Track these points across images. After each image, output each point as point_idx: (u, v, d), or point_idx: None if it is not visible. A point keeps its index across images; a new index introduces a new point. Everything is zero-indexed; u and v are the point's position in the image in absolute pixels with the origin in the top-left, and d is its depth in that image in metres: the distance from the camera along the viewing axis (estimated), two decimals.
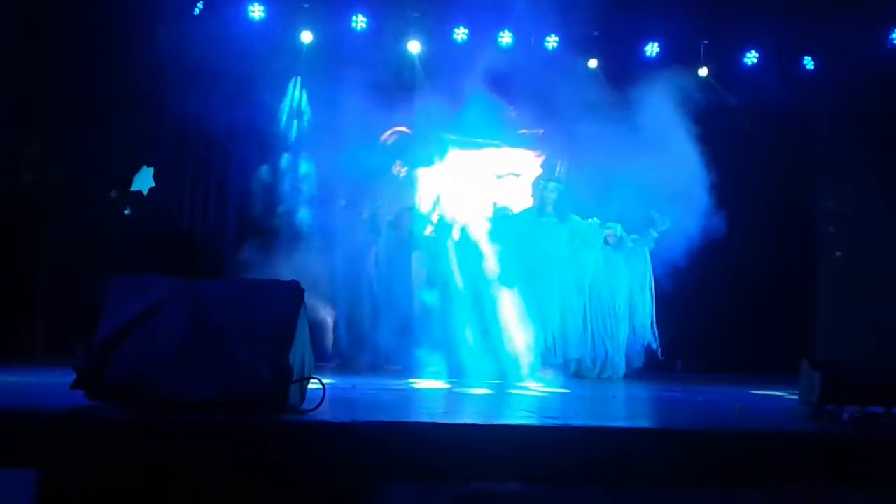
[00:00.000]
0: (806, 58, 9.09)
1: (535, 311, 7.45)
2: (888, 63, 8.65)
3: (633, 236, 7.85)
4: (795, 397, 4.16)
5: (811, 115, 9.26)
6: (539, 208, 7.78)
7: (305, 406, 3.42)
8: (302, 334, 3.50)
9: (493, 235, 7.66)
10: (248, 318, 3.36)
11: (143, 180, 7.30)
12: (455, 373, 7.10)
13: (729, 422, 3.83)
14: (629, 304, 7.71)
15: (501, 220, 7.70)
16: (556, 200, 7.77)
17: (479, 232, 7.72)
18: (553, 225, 7.66)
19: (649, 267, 7.85)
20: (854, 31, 8.61)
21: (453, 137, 9.26)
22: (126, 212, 7.39)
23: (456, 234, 7.72)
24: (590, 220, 7.82)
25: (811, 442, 3.37)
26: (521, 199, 8.39)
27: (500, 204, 8.02)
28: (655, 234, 7.77)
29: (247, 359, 3.23)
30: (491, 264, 7.63)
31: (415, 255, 7.88)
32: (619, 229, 7.79)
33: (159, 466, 2.80)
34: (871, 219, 8.95)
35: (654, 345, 7.76)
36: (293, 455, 2.95)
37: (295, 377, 3.34)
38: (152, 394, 3.20)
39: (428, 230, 8.09)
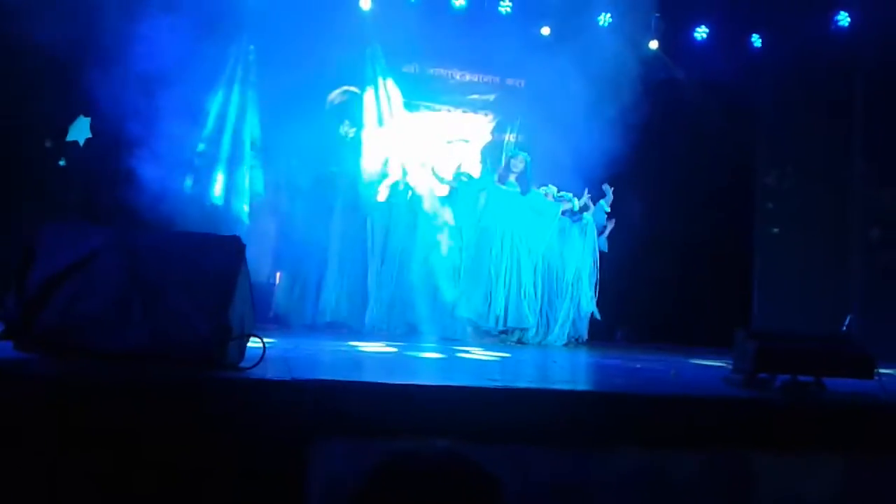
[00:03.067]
0: (754, 35, 9.19)
1: (486, 278, 7.47)
2: (831, 44, 8.82)
3: (584, 207, 7.87)
4: (730, 365, 4.25)
5: (756, 93, 9.41)
6: (502, 176, 7.72)
7: (245, 364, 3.36)
8: (242, 291, 3.43)
9: (451, 201, 7.65)
10: (187, 271, 3.28)
11: (80, 131, 7.05)
12: (403, 336, 7.13)
13: (664, 387, 3.91)
14: (576, 275, 7.78)
15: (461, 186, 7.66)
16: (522, 171, 7.74)
17: (436, 197, 7.70)
18: (514, 195, 7.64)
19: (596, 239, 7.93)
20: (801, 12, 8.76)
21: (412, 65, 9.15)
22: (61, 162, 7.13)
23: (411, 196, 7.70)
24: (545, 188, 7.82)
25: (743, 408, 3.46)
26: (469, 165, 8.32)
27: (462, 169, 7.94)
28: (607, 209, 7.83)
29: (185, 312, 3.15)
30: (444, 230, 7.63)
31: (368, 219, 7.80)
32: (575, 203, 7.81)
33: (91, 421, 2.73)
34: (808, 196, 9.18)
35: (597, 315, 7.85)
36: (230, 411, 2.91)
37: (234, 334, 3.28)
38: (85, 345, 3.10)
39: (382, 195, 8.00)
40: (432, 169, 7.83)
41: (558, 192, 7.86)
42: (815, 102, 8.98)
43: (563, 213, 7.74)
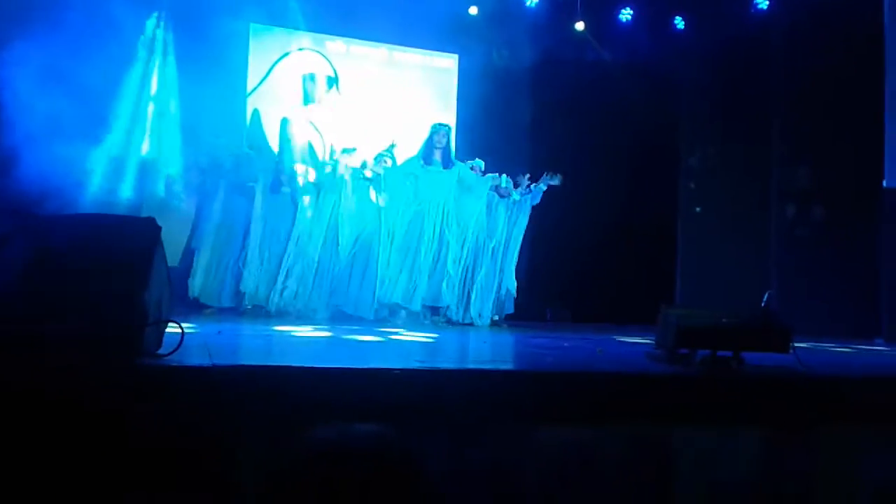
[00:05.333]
0: (677, 17, 9.35)
1: (413, 258, 7.43)
2: (751, 28, 9.04)
3: (524, 186, 7.82)
4: (652, 342, 4.33)
5: (679, 74, 9.58)
6: (426, 155, 7.64)
7: (163, 351, 3.25)
8: (159, 275, 3.31)
9: (378, 182, 7.54)
10: (100, 255, 3.14)
11: None
12: (330, 320, 7.04)
13: (591, 364, 3.95)
14: (503, 253, 7.78)
15: (387, 170, 7.56)
16: (445, 146, 7.67)
17: (363, 179, 7.58)
18: (438, 173, 7.58)
19: (526, 220, 7.90)
20: None
21: (338, 42, 8.96)
22: None
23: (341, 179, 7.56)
24: (472, 162, 7.78)
25: (666, 383, 3.52)
26: (399, 142, 8.15)
27: (394, 148, 7.79)
28: (543, 188, 7.81)
29: (97, 297, 3.02)
30: (372, 212, 7.54)
31: (292, 201, 7.63)
32: (503, 180, 7.79)
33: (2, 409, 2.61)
34: (729, 176, 9.42)
35: (512, 291, 7.83)
36: (147, 399, 2.81)
37: (150, 319, 3.17)
38: None
39: (308, 176, 7.85)
40: (347, 151, 7.68)
41: (484, 168, 7.82)
42: (736, 84, 9.20)
43: (492, 188, 7.72)
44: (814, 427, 3.46)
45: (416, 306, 7.42)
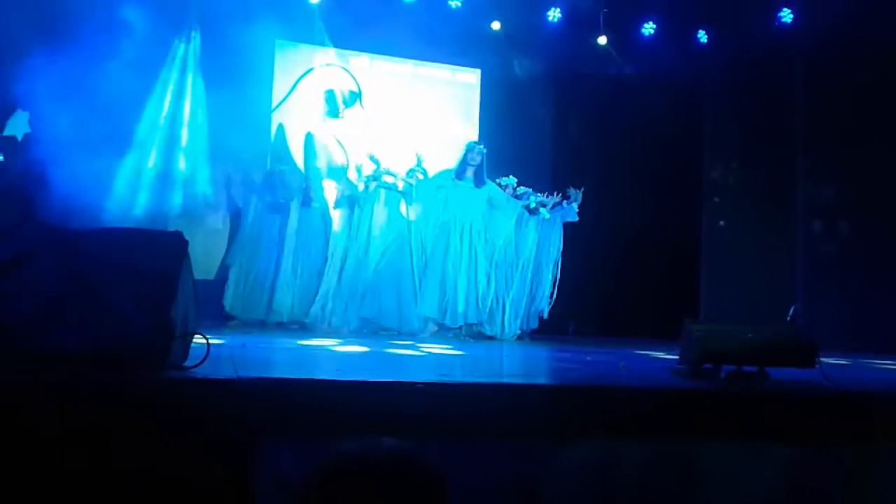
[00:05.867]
0: (700, 31, 9.33)
1: (444, 274, 7.44)
2: (775, 40, 8.99)
3: (551, 205, 7.83)
4: (677, 357, 4.30)
5: (702, 88, 9.56)
6: (459, 172, 7.67)
7: (189, 363, 3.29)
8: (186, 288, 3.35)
9: (409, 196, 7.60)
10: (127, 269, 3.19)
11: (18, 125, 6.84)
12: (361, 334, 7.07)
13: (614, 379, 3.93)
14: (534, 272, 7.77)
15: (418, 183, 7.62)
16: (479, 164, 7.70)
17: (393, 193, 7.64)
18: (470, 189, 7.62)
19: (560, 239, 7.90)
20: (746, 8, 8.91)
21: (362, 57, 9.01)
22: None
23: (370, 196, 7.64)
24: (506, 179, 7.79)
25: (689, 398, 3.50)
26: (428, 158, 8.19)
27: (422, 163, 7.83)
28: (576, 207, 7.81)
29: (125, 312, 3.07)
30: (403, 226, 7.58)
31: (324, 216, 7.70)
32: (532, 201, 7.79)
33: (27, 426, 2.64)
34: (753, 190, 9.36)
35: (545, 308, 7.83)
36: (173, 412, 2.84)
37: (177, 332, 3.20)
38: (22, 344, 3.00)
39: (339, 190, 7.90)
40: (379, 168, 7.73)
41: (517, 184, 7.84)
42: (760, 98, 9.15)
43: (527, 208, 7.75)
44: (840, 443, 3.42)
45: (444, 320, 7.43)
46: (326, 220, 7.64)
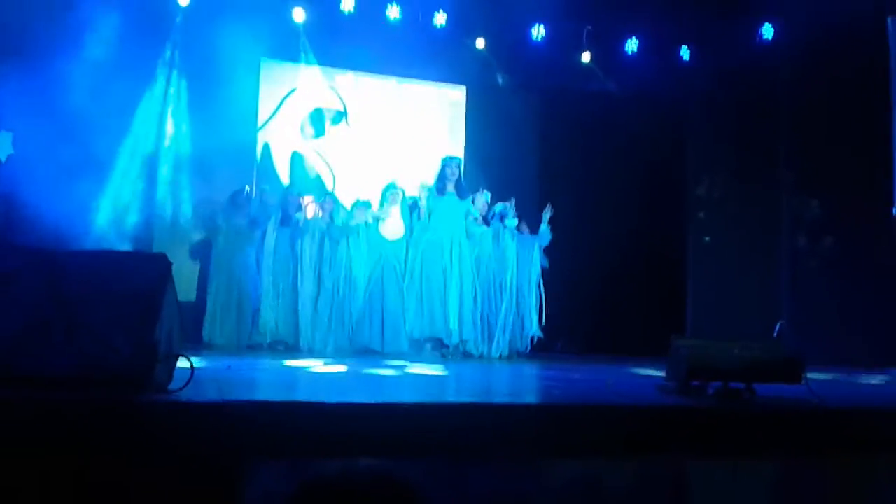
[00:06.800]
0: (683, 47, 9.39)
1: (428, 291, 7.42)
2: (756, 57, 9.06)
3: (525, 229, 7.89)
4: (664, 374, 4.30)
5: (685, 104, 9.60)
6: (440, 187, 7.68)
7: (173, 386, 3.25)
8: (170, 310, 3.33)
9: (389, 213, 7.61)
10: (109, 290, 3.17)
11: (2, 147, 6.80)
12: (346, 355, 7.03)
13: (600, 396, 3.92)
14: (516, 286, 7.77)
15: (406, 203, 7.67)
16: (458, 178, 7.74)
17: (371, 211, 7.64)
18: (454, 203, 7.63)
19: (538, 259, 7.91)
20: (728, 25, 8.98)
21: (348, 75, 9.05)
22: None
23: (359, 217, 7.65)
24: (480, 194, 7.80)
25: (677, 415, 3.50)
26: (406, 175, 8.22)
27: (397, 181, 7.85)
28: (548, 229, 7.86)
29: (108, 333, 3.05)
30: (384, 244, 7.57)
31: (302, 235, 7.67)
32: (512, 220, 7.81)
33: (14, 447, 2.61)
34: (738, 205, 9.40)
35: (538, 333, 7.83)
36: (157, 435, 2.81)
37: (161, 354, 3.18)
38: (6, 367, 2.97)
39: (315, 210, 7.87)
40: (361, 204, 7.80)
41: (490, 199, 7.86)
42: (743, 113, 9.21)
43: (491, 216, 7.76)
44: (827, 458, 3.42)
45: (437, 337, 7.40)
46: (305, 240, 7.59)
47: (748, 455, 3.44)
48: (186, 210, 7.65)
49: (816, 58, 8.49)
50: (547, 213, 7.85)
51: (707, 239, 9.63)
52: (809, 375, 4.01)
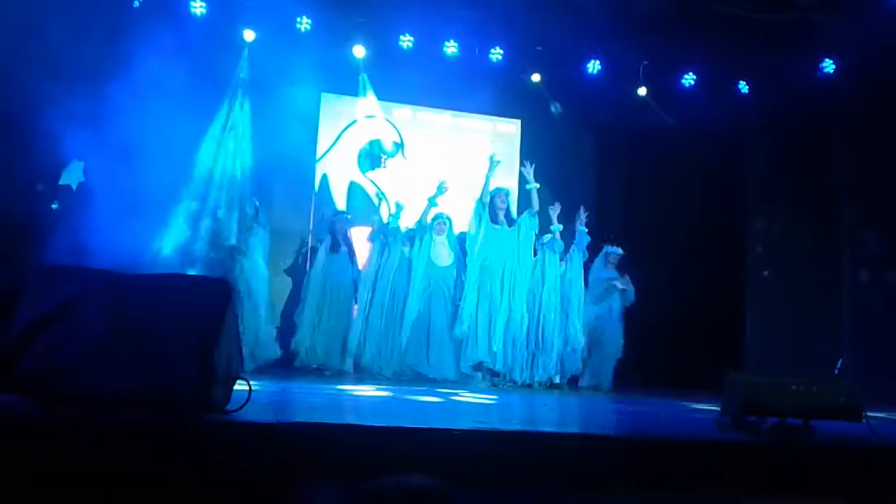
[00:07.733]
0: (741, 82, 9.33)
1: (489, 318, 7.45)
2: (816, 91, 8.94)
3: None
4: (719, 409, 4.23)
5: (743, 138, 9.52)
6: (492, 217, 7.75)
7: (231, 407, 3.34)
8: (229, 334, 3.43)
9: (443, 241, 7.69)
10: (173, 314, 3.27)
11: (73, 175, 7.11)
12: (397, 380, 7.09)
13: (654, 430, 3.88)
14: (562, 310, 7.73)
15: (449, 229, 7.76)
16: (507, 207, 7.81)
17: (428, 238, 7.72)
18: (505, 232, 7.68)
19: (580, 274, 7.88)
20: (787, 59, 8.89)
21: (405, 109, 9.17)
22: (54, 206, 7.16)
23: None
24: (554, 226, 7.80)
25: (732, 451, 3.44)
26: (459, 204, 8.29)
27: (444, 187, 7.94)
28: (585, 229, 7.87)
29: (171, 355, 3.14)
30: (437, 270, 7.64)
31: (353, 258, 7.81)
32: (558, 243, 7.81)
33: (75, 465, 2.70)
34: (797, 239, 9.22)
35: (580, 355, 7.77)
36: (215, 455, 2.88)
37: (220, 377, 3.26)
38: (70, 387, 3.08)
39: (372, 233, 7.99)
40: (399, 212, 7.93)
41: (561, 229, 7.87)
42: (802, 147, 9.08)
43: (553, 247, 7.76)
44: (888, 499, 3.32)
45: (490, 365, 7.41)
46: (354, 264, 7.74)
47: (805, 493, 3.36)
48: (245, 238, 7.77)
49: (877, 92, 8.35)
50: (581, 215, 7.82)
51: (766, 273, 9.46)
52: (871, 414, 3.91)
